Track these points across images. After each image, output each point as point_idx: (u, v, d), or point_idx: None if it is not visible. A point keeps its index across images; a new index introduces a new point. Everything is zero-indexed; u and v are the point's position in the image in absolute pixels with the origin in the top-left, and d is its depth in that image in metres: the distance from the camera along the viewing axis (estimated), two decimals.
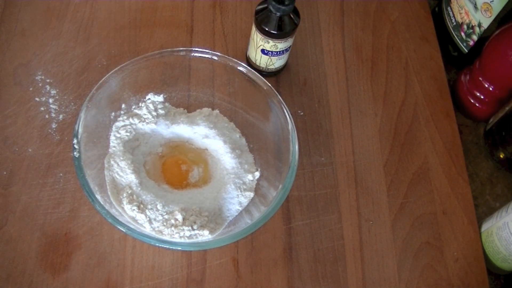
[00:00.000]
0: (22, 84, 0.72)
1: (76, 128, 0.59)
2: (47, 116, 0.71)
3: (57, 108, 0.71)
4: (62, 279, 0.61)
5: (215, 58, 0.67)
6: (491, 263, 0.69)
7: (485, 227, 0.70)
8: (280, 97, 0.65)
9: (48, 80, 0.73)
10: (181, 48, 0.67)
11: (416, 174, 0.74)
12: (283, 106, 0.64)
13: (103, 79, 0.63)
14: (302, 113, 0.76)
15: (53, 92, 0.72)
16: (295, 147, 0.62)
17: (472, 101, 0.79)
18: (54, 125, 0.70)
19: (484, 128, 0.79)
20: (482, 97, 0.77)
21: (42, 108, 0.71)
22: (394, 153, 0.75)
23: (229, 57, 0.67)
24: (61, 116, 0.71)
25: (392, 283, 0.63)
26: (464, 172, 0.75)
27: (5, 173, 0.66)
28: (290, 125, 0.63)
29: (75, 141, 0.58)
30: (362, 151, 0.74)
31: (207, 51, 0.67)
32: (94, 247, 0.63)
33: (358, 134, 0.76)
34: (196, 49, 0.67)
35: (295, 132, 0.63)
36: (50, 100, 0.72)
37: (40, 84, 0.73)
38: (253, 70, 0.67)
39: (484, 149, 0.78)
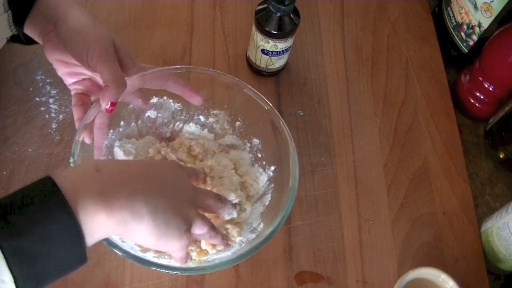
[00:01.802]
0: (22, 84, 0.72)
1: (73, 148, 0.57)
2: (47, 116, 0.71)
3: (57, 108, 0.71)
4: (61, 279, 0.61)
5: (216, 75, 0.65)
6: (491, 263, 0.69)
7: (485, 227, 0.70)
8: (282, 119, 0.63)
9: (48, 80, 0.73)
10: (181, 66, 0.65)
11: (416, 174, 0.74)
12: (284, 128, 0.62)
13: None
14: (302, 113, 0.76)
15: (53, 92, 0.72)
16: (295, 169, 0.60)
17: (472, 101, 0.79)
18: (54, 125, 0.70)
19: (484, 128, 0.79)
20: (482, 97, 0.77)
21: (42, 108, 0.71)
22: (394, 153, 0.75)
23: (230, 75, 0.65)
24: (61, 116, 0.71)
25: (392, 283, 0.63)
26: (464, 172, 0.75)
27: (5, 173, 0.66)
28: (291, 147, 0.61)
29: (71, 160, 0.56)
30: (362, 151, 0.74)
31: (208, 69, 0.65)
32: (93, 247, 0.62)
33: (358, 134, 0.76)
34: (197, 67, 0.66)
35: (296, 154, 0.60)
36: (50, 100, 0.72)
37: (40, 84, 0.73)
38: (254, 90, 0.64)
39: (484, 149, 0.78)
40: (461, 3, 0.78)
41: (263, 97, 0.64)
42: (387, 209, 0.71)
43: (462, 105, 0.80)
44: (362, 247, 0.68)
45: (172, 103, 0.68)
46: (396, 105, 0.79)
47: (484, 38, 0.76)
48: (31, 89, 0.72)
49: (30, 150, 0.68)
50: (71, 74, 0.62)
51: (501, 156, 0.75)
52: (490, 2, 0.72)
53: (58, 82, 0.73)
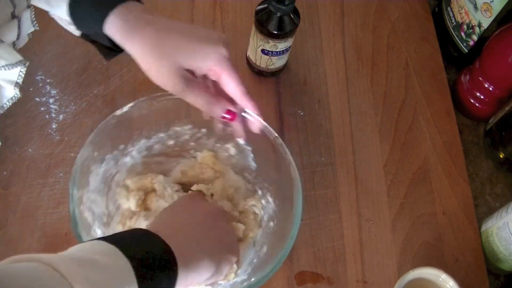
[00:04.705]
0: (22, 84, 0.72)
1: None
2: (47, 116, 0.71)
3: (57, 108, 0.71)
4: None
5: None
6: (491, 263, 0.69)
7: (485, 227, 0.70)
8: (289, 153, 0.58)
9: (48, 80, 0.73)
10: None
11: (416, 174, 0.74)
12: (290, 162, 0.58)
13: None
14: (302, 113, 0.76)
15: (53, 92, 0.72)
16: (299, 205, 0.56)
17: (472, 101, 0.79)
18: (54, 125, 0.70)
19: (484, 128, 0.79)
20: (482, 97, 0.77)
21: (42, 108, 0.71)
22: (394, 153, 0.75)
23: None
24: (61, 116, 0.71)
25: (392, 283, 0.63)
26: (464, 172, 0.75)
27: (5, 173, 0.66)
28: (296, 183, 0.57)
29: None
30: (362, 151, 0.74)
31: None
32: None
33: (358, 134, 0.76)
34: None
35: (301, 188, 0.57)
36: (50, 100, 0.72)
37: (40, 84, 0.73)
38: (261, 120, 0.58)
39: (484, 149, 0.78)
40: (461, 3, 0.78)
41: (271, 128, 0.59)
42: (387, 209, 0.71)
43: (462, 105, 0.80)
44: (362, 247, 0.68)
45: (252, 158, 0.65)
46: (396, 105, 0.79)
47: (484, 38, 0.76)
48: (31, 89, 0.72)
49: (30, 150, 0.68)
50: None
51: (501, 156, 0.75)
52: (490, 2, 0.72)
53: (58, 82, 0.73)
